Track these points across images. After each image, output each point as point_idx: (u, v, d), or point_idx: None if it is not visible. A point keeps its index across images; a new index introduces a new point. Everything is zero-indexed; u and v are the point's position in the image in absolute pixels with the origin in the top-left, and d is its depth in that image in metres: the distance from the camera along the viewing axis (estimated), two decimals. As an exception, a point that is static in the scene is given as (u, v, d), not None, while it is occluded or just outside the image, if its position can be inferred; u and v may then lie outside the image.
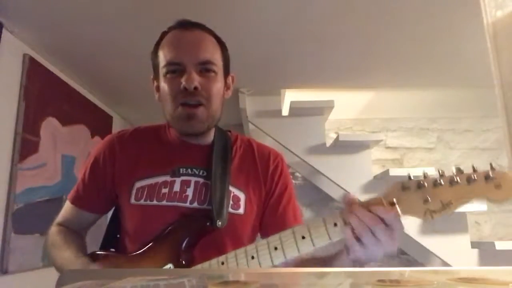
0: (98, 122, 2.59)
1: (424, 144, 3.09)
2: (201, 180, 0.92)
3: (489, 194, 0.68)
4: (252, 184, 0.95)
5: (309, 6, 1.63)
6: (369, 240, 0.69)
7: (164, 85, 0.91)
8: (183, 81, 0.86)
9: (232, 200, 0.91)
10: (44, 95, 1.98)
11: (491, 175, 0.67)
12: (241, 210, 0.92)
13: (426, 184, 0.71)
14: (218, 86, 0.92)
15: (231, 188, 0.92)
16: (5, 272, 1.66)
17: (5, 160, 1.73)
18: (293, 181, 3.01)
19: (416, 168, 2.78)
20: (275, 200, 0.96)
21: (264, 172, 0.97)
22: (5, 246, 1.67)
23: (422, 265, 2.56)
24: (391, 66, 2.27)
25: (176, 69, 0.89)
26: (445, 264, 2.21)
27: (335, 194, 2.73)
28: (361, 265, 0.74)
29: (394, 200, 0.71)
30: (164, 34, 0.95)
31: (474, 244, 2.25)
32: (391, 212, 0.70)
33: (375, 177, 2.41)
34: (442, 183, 0.70)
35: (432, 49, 2.03)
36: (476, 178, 0.68)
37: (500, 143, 2.93)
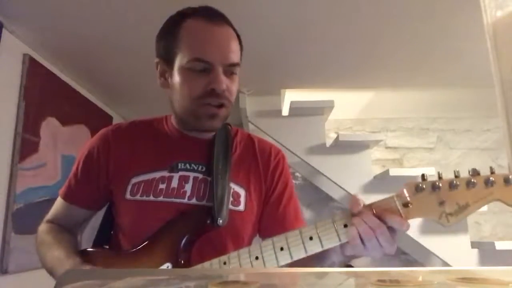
0: (98, 122, 2.59)
1: (424, 144, 3.09)
2: (200, 175, 0.89)
3: (507, 198, 0.66)
4: (252, 180, 0.92)
5: (309, 6, 1.63)
6: (373, 245, 0.68)
7: (182, 79, 0.85)
8: (213, 83, 0.82)
9: (232, 197, 0.88)
10: (44, 95, 1.98)
11: (510, 178, 0.65)
12: (241, 207, 0.89)
13: (441, 185, 0.68)
14: (237, 86, 0.89)
15: (231, 184, 0.89)
16: (5, 272, 1.66)
17: (5, 160, 1.73)
18: (293, 181, 3.01)
19: (416, 168, 2.78)
20: (275, 199, 0.94)
21: (265, 168, 0.94)
22: (5, 246, 1.67)
23: (422, 265, 2.56)
24: (391, 66, 2.27)
25: (203, 67, 0.83)
26: (445, 264, 2.21)
27: (335, 194, 2.73)
28: (351, 259, 0.75)
29: (410, 205, 0.69)
30: (184, 16, 0.87)
31: (474, 244, 2.25)
32: (402, 222, 0.68)
33: (375, 177, 2.41)
34: (459, 185, 0.67)
35: (432, 49, 2.03)
36: (494, 180, 0.66)
37: (500, 143, 2.93)
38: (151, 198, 0.85)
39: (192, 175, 0.88)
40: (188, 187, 0.87)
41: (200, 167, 0.90)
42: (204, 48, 0.83)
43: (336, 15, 1.72)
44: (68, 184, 0.95)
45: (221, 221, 0.82)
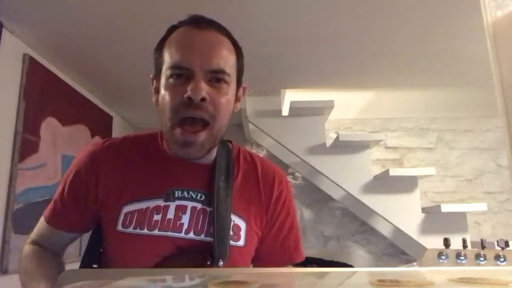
0: (98, 122, 2.59)
1: (424, 144, 3.09)
2: (198, 205, 0.81)
3: None
4: (253, 211, 0.86)
5: (309, 6, 1.63)
6: None
7: (164, 92, 0.77)
8: (189, 89, 0.73)
9: (233, 230, 0.81)
10: (44, 95, 1.97)
11: None
12: (241, 242, 0.82)
13: (466, 255, 0.64)
14: (228, 99, 0.79)
15: (232, 216, 0.82)
16: (5, 272, 1.66)
17: (5, 160, 1.73)
18: (293, 181, 3.01)
19: (416, 168, 2.78)
20: (276, 231, 0.88)
21: (267, 199, 0.88)
22: (5, 246, 1.67)
23: (422, 265, 2.56)
24: (391, 66, 2.27)
25: (182, 74, 0.76)
26: (445, 264, 2.21)
27: (335, 194, 2.73)
28: None
29: None
30: (173, 29, 0.82)
31: (474, 244, 2.25)
32: None
33: (375, 177, 2.41)
34: (486, 258, 0.62)
35: (432, 49, 2.03)
36: None
37: (500, 143, 2.93)
38: (145, 231, 0.78)
39: (190, 204, 0.81)
40: (185, 219, 0.80)
41: (199, 195, 0.82)
42: (183, 53, 0.76)
43: (336, 15, 1.72)
44: (53, 208, 0.88)
45: (222, 262, 0.76)
